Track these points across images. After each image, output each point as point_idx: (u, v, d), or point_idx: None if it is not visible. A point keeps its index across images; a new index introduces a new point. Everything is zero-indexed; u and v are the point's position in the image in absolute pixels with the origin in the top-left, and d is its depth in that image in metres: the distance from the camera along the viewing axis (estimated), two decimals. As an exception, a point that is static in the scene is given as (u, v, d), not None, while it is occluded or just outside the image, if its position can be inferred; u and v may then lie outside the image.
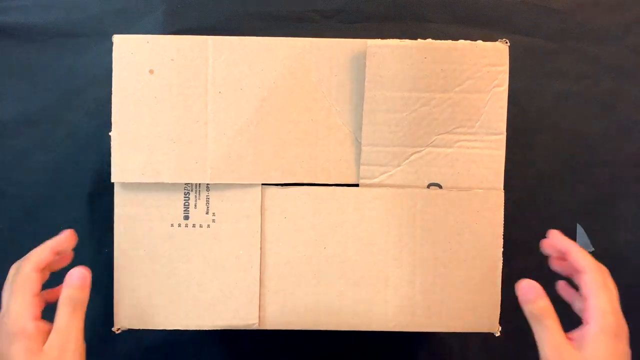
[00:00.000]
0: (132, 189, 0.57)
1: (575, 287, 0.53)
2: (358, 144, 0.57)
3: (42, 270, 0.51)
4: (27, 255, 0.52)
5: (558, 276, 0.55)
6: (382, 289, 0.57)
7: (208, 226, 0.58)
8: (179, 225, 0.58)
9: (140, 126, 0.56)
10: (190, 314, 0.58)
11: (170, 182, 0.56)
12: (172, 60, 0.56)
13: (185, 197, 0.58)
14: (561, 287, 0.56)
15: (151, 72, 0.56)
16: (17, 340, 0.47)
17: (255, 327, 0.58)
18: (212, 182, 0.56)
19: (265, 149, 0.56)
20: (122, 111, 0.56)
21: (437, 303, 0.57)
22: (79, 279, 0.52)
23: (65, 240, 0.54)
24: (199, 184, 0.57)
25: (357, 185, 0.57)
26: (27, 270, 0.50)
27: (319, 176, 0.57)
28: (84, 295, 0.52)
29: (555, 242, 0.54)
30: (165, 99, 0.56)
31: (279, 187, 0.57)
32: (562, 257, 0.53)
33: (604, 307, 0.49)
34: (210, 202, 0.58)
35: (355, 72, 0.56)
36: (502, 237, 0.57)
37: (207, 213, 0.58)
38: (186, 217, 0.58)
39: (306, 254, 0.58)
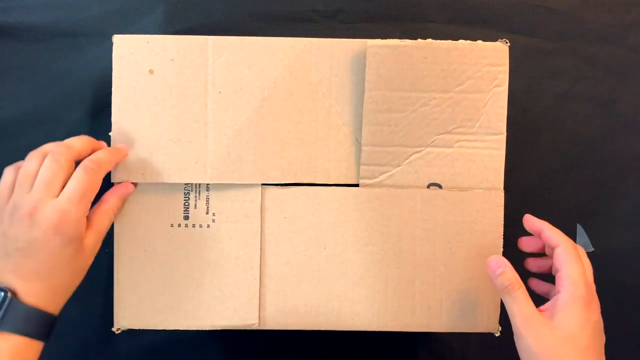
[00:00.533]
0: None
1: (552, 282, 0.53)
2: (358, 144, 0.57)
3: None
4: (97, 160, 0.53)
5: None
6: (382, 289, 0.57)
7: (208, 226, 0.57)
8: (179, 225, 0.58)
9: (140, 126, 0.56)
10: (190, 314, 0.58)
11: (170, 182, 0.56)
12: (172, 60, 0.56)
13: (185, 197, 0.57)
14: (534, 283, 0.57)
15: (151, 72, 0.56)
16: (73, 243, 0.50)
17: (255, 327, 0.58)
18: (212, 182, 0.56)
19: (265, 149, 0.56)
20: (122, 111, 0.56)
21: (437, 303, 0.57)
22: (128, 194, 0.57)
23: (124, 154, 0.56)
24: (199, 184, 0.57)
25: (357, 185, 0.57)
26: (100, 179, 0.53)
27: (319, 176, 0.57)
28: (123, 205, 0.57)
29: (530, 223, 0.55)
30: (165, 99, 0.56)
31: (279, 187, 0.57)
32: (539, 239, 0.54)
33: (575, 277, 0.49)
34: (210, 202, 0.57)
35: (355, 72, 0.56)
36: (502, 237, 0.57)
37: (207, 213, 0.57)
38: (186, 217, 0.58)
39: (306, 254, 0.58)
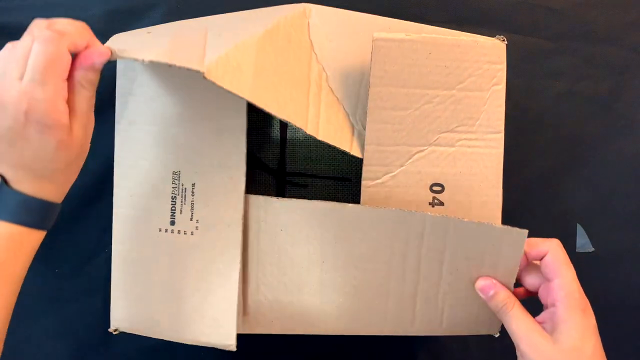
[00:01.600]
0: (130, 188, 0.54)
1: None
2: (346, 113, 0.54)
3: None
4: (58, 28, 0.43)
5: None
6: (382, 301, 0.54)
7: (192, 233, 0.54)
8: (166, 230, 0.54)
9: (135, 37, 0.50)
10: (174, 325, 0.54)
11: (163, 60, 0.44)
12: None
13: (172, 201, 0.54)
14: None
15: (149, 32, 0.51)
16: (52, 132, 0.43)
17: (232, 348, 0.54)
18: (207, 76, 0.43)
19: (262, 75, 0.49)
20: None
21: (439, 313, 0.55)
22: (101, 62, 0.45)
23: (97, 42, 0.46)
24: (185, 188, 0.53)
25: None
26: (63, 50, 0.42)
27: (310, 127, 0.52)
28: (99, 76, 0.46)
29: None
30: (160, 35, 0.50)
31: (275, 199, 0.53)
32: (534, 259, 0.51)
33: (569, 286, 0.47)
34: (194, 208, 0.53)
35: (349, 42, 0.54)
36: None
37: (191, 219, 0.53)
38: (172, 223, 0.54)
39: (303, 266, 0.54)
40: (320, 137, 0.52)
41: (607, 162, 0.65)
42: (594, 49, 0.65)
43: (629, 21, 0.65)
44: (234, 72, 0.45)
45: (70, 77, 0.44)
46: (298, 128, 0.51)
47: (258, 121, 0.64)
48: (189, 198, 0.53)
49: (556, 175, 0.65)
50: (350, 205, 0.52)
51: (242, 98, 0.46)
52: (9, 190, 0.44)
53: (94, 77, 0.46)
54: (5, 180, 0.44)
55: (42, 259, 0.65)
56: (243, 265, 0.54)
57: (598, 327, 0.48)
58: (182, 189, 0.53)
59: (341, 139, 0.53)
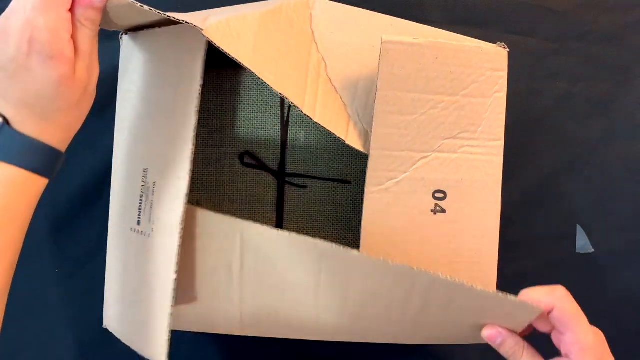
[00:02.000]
0: (120, 186, 0.53)
1: None
2: (343, 104, 0.52)
3: None
4: None
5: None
6: (382, 324, 0.53)
7: (149, 235, 0.50)
8: (134, 230, 0.51)
9: None
10: (130, 332, 0.52)
11: (162, 12, 0.44)
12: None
13: (140, 200, 0.51)
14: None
15: None
16: (54, 64, 0.41)
17: None
18: (205, 34, 0.43)
19: (264, 48, 0.48)
20: None
21: (439, 331, 0.53)
22: (100, 0, 0.44)
23: None
24: (149, 187, 0.50)
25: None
26: None
27: (307, 108, 0.50)
28: (100, 16, 0.45)
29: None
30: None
31: (275, 231, 0.49)
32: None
33: (583, 339, 0.44)
34: (153, 208, 0.50)
35: (350, 36, 0.53)
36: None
37: (149, 220, 0.50)
38: (138, 222, 0.51)
39: (302, 291, 0.51)
40: (316, 119, 0.50)
41: (607, 163, 0.65)
42: (594, 50, 0.65)
43: (629, 21, 0.65)
44: (233, 37, 0.45)
45: (72, 17, 0.43)
46: (295, 106, 0.49)
47: (259, 121, 0.63)
48: (150, 197, 0.50)
49: (556, 176, 0.65)
50: (355, 252, 0.48)
51: (197, 99, 0.46)
52: (10, 131, 0.42)
53: (95, 16, 0.44)
54: (6, 121, 0.42)
55: (42, 259, 0.65)
56: (240, 283, 0.52)
57: (597, 327, 0.48)
58: (147, 188, 0.51)
59: (337, 125, 0.52)
